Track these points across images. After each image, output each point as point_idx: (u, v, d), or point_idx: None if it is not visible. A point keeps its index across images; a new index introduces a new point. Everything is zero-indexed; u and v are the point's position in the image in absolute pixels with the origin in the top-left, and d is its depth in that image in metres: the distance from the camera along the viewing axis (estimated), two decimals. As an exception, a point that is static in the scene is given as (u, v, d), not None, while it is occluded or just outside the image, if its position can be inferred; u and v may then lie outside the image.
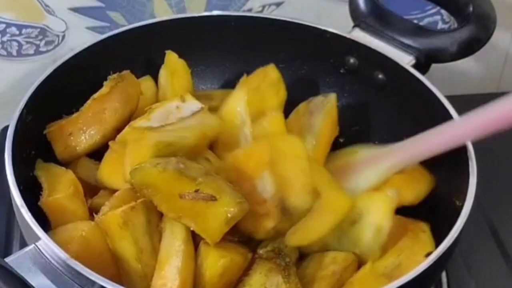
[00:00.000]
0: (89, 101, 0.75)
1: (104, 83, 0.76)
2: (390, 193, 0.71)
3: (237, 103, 0.76)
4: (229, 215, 0.63)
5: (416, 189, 0.75)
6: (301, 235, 0.69)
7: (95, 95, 0.76)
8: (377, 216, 0.70)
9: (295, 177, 0.68)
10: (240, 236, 0.68)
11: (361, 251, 0.70)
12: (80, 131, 0.75)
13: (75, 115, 0.75)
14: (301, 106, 0.82)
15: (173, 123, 0.72)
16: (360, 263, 0.70)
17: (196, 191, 0.63)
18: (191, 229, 0.64)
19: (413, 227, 0.73)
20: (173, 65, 0.83)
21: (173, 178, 0.64)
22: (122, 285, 0.58)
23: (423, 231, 0.73)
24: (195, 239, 0.66)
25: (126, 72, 0.78)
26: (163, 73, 0.82)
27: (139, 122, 0.71)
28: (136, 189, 0.66)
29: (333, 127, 0.81)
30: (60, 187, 0.71)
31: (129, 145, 0.69)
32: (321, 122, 0.79)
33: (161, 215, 0.67)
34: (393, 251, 0.71)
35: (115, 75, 0.77)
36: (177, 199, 0.64)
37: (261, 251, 0.67)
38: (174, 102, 0.74)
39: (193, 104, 0.74)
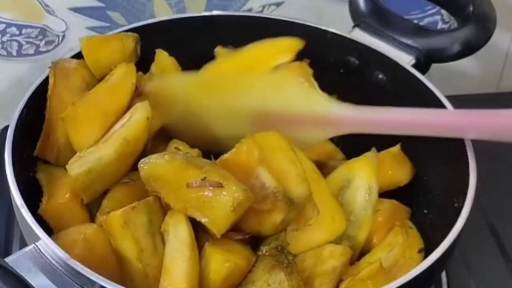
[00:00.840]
0: (48, 103, 0.75)
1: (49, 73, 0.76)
2: (370, 153, 0.74)
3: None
4: (235, 202, 0.63)
5: (394, 173, 0.78)
6: (293, 246, 0.69)
7: (49, 93, 0.75)
8: (364, 177, 0.73)
9: (288, 169, 0.68)
10: (245, 234, 0.67)
11: (355, 217, 0.72)
12: (61, 136, 0.74)
13: (45, 123, 0.75)
14: None
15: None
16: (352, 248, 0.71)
17: (203, 179, 0.64)
18: (198, 220, 0.64)
19: (399, 223, 0.74)
20: (163, 64, 0.83)
21: (181, 167, 0.65)
22: (123, 285, 0.59)
23: (410, 227, 0.74)
24: (198, 241, 0.66)
25: (62, 60, 0.77)
26: (154, 71, 0.82)
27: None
28: (143, 182, 0.66)
29: None
30: (57, 193, 0.71)
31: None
32: None
33: (163, 215, 0.67)
34: (383, 245, 0.72)
35: (51, 65, 0.76)
36: (184, 190, 0.64)
37: (263, 249, 0.67)
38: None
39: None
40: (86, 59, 0.77)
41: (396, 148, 0.79)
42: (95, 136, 0.71)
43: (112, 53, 0.78)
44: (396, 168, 0.79)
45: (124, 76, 0.75)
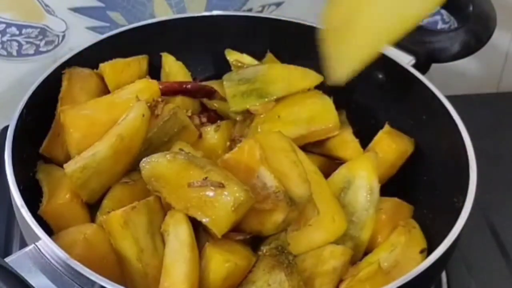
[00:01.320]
0: (58, 104, 0.77)
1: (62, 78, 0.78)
2: (370, 153, 0.76)
3: None
4: (237, 202, 0.63)
5: (398, 146, 0.79)
6: (293, 247, 0.69)
7: (61, 95, 0.77)
8: (364, 178, 0.73)
9: (290, 169, 0.69)
10: (246, 234, 0.67)
11: (358, 217, 0.72)
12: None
13: (54, 122, 0.76)
14: None
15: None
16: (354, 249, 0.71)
17: (205, 179, 0.64)
18: (199, 219, 0.64)
19: (403, 222, 0.74)
20: (169, 68, 0.83)
21: (182, 167, 0.66)
22: (123, 285, 0.59)
23: (413, 227, 0.74)
24: (198, 242, 0.66)
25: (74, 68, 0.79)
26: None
27: None
28: (145, 181, 0.67)
29: None
30: (57, 193, 0.71)
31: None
32: None
33: (163, 215, 0.67)
34: (385, 245, 0.72)
35: (66, 71, 0.78)
36: (186, 189, 0.65)
37: (264, 249, 0.67)
38: None
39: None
40: (108, 83, 0.79)
41: (386, 127, 0.80)
42: (78, 143, 0.71)
43: (132, 76, 0.81)
44: (397, 140, 0.80)
45: (135, 92, 0.75)
